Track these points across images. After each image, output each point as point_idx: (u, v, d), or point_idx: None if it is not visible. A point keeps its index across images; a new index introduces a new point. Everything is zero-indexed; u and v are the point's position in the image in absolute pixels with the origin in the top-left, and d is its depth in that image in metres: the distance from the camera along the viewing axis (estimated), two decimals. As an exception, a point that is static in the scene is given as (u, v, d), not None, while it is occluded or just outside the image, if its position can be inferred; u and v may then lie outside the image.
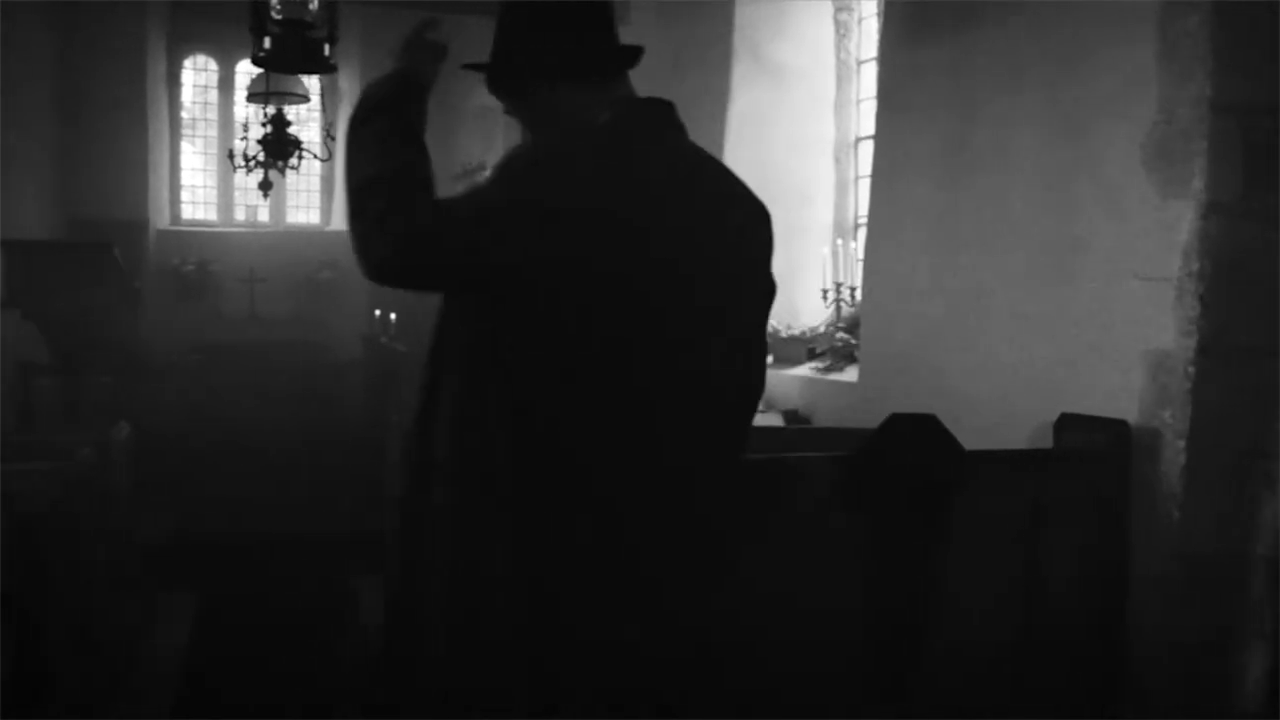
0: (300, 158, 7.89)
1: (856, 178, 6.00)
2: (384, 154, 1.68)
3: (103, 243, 6.50)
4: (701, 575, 1.69)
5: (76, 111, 9.78)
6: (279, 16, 4.57)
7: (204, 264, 10.66)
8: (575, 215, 1.56)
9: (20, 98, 7.66)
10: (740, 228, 1.80)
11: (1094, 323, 3.11)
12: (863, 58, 6.00)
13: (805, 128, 6.05)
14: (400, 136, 1.71)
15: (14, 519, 2.68)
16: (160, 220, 10.87)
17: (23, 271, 5.92)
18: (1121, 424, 2.91)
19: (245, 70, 11.02)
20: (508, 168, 1.67)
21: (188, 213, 11.36)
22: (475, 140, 10.05)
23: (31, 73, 8.40)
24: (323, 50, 4.77)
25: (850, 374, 4.79)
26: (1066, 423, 3.03)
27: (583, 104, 1.79)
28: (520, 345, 1.56)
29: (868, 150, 5.76)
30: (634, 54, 1.86)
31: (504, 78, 1.88)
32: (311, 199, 11.67)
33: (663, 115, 1.84)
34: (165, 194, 11.04)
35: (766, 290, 1.87)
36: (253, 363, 9.38)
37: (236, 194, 11.27)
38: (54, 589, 3.09)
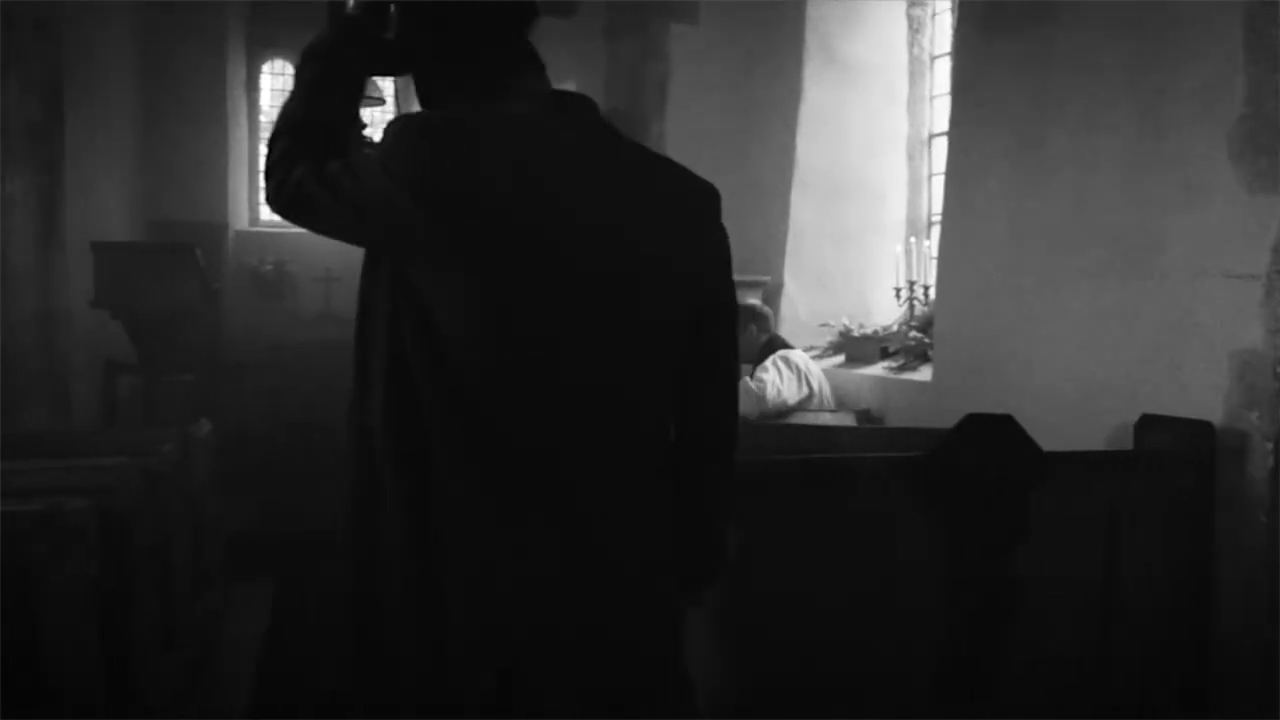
0: (376, 158, 8.00)
1: (930, 175, 5.93)
2: (307, 99, 1.79)
3: (185, 244, 6.65)
4: (630, 514, 1.67)
5: (159, 117, 10.03)
6: (356, 19, 4.64)
7: (281, 264, 10.84)
8: (469, 187, 1.58)
9: (107, 104, 7.88)
10: (646, 201, 1.76)
11: (1177, 321, 3.04)
12: (936, 53, 5.93)
13: (877, 125, 6.00)
14: (326, 84, 1.83)
15: (102, 512, 2.76)
16: (239, 221, 11.10)
17: (111, 272, 6.07)
18: (1205, 425, 2.84)
19: (321, 74, 11.22)
20: (402, 136, 1.67)
21: (265, 214, 11.58)
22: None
23: (117, 80, 8.64)
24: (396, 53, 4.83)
25: (924, 373, 4.73)
26: (1148, 423, 2.96)
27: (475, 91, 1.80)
28: (434, 312, 1.59)
29: (941, 147, 5.69)
30: (530, 16, 1.90)
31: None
32: (385, 200, 11.85)
33: (562, 101, 1.83)
34: (244, 196, 11.26)
35: (702, 253, 1.87)
36: (328, 360, 9.53)
37: (313, 195, 11.46)
38: (140, 580, 3.18)
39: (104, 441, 4.40)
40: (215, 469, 5.21)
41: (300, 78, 1.84)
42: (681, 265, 1.77)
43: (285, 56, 11.62)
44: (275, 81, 11.73)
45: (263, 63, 11.53)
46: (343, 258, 11.21)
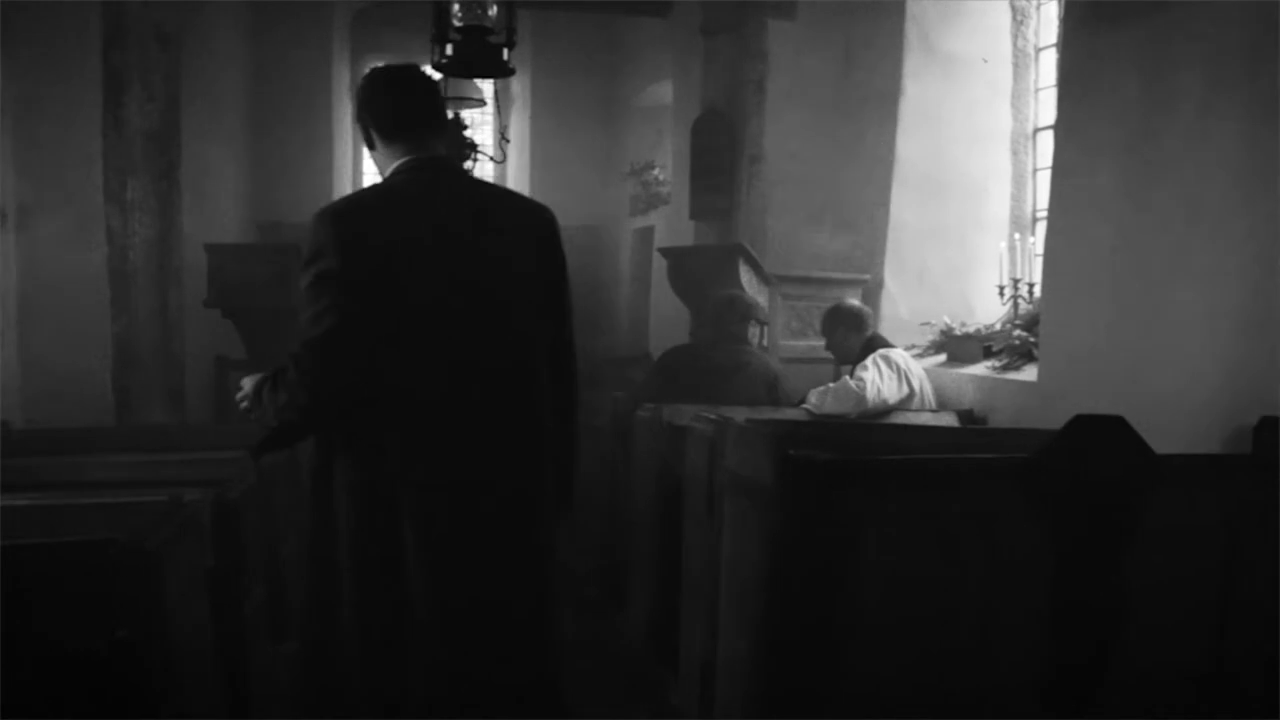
0: (475, 160, 8.11)
1: (1035, 170, 5.80)
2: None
3: (292, 245, 6.81)
4: (512, 455, 2.42)
5: (267, 123, 10.33)
6: (460, 23, 4.72)
7: (384, 264, 11.09)
8: (366, 241, 2.32)
9: (219, 113, 8.16)
10: (499, 229, 2.47)
11: (1298, 320, 2.93)
12: (1041, 44, 5.80)
13: (980, 119, 5.89)
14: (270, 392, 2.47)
15: (216, 503, 2.86)
16: (344, 223, 11.38)
17: (223, 273, 6.28)
18: (1329, 428, 2.72)
19: (423, 77, 11.43)
20: (314, 230, 2.35)
21: (369, 215, 11.86)
22: (644, 139, 10.16)
23: (228, 89, 8.93)
24: (501, 54, 4.90)
25: (1029, 373, 4.63)
26: (1267, 426, 2.85)
27: (393, 159, 2.53)
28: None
29: (1046, 141, 5.57)
30: (438, 123, 2.59)
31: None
32: (484, 200, 12.02)
33: (435, 165, 2.51)
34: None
35: (539, 265, 2.53)
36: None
37: (414, 196, 11.68)
38: (249, 572, 3.28)
39: (217, 435, 4.55)
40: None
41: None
42: (533, 270, 2.49)
43: (388, 60, 11.88)
44: (378, 85, 12.01)
45: (366, 67, 11.80)
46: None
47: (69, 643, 2.01)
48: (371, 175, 12.49)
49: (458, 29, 4.76)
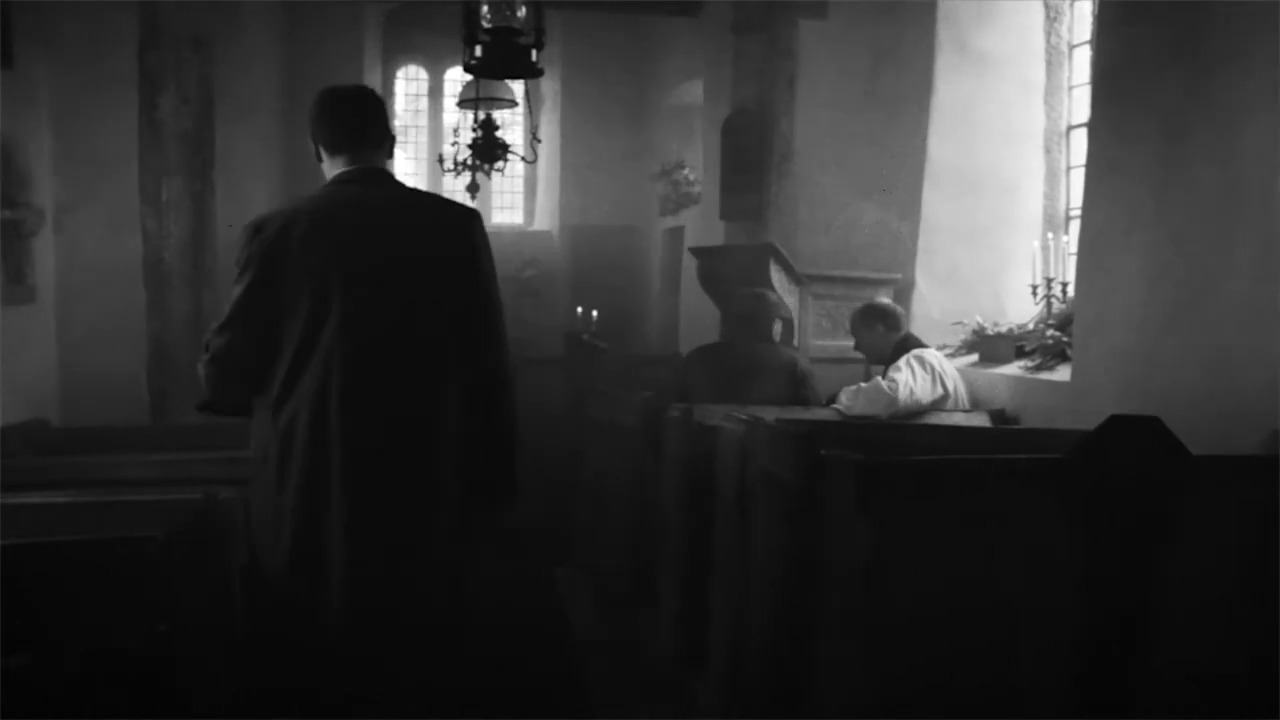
0: (506, 160, 8.15)
1: (1068, 168, 5.76)
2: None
3: (325, 245, 6.89)
4: (431, 427, 2.67)
5: (298, 123, 10.37)
6: (489, 25, 4.74)
7: (415, 264, 11.15)
8: (275, 253, 2.63)
9: (253, 114, 8.23)
10: (425, 239, 2.74)
11: (1338, 319, 2.89)
12: (1075, 41, 5.75)
13: (1013, 117, 5.85)
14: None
15: (249, 502, 2.89)
16: (375, 223, 11.46)
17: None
18: (1369, 429, 2.68)
19: (453, 78, 11.49)
20: (240, 242, 2.72)
21: (400, 215, 11.93)
22: (674, 139, 10.16)
23: (262, 90, 9.01)
24: (530, 55, 4.92)
25: (1062, 373, 4.59)
26: (1306, 426, 2.82)
27: (334, 170, 2.83)
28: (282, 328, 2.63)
29: (1080, 139, 5.52)
30: (376, 138, 2.86)
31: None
32: (515, 200, 12.06)
33: (366, 175, 2.78)
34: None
35: (460, 269, 2.76)
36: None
37: (445, 196, 11.75)
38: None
39: (248, 434, 4.58)
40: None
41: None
42: (456, 260, 2.74)
43: (418, 61, 11.94)
44: (409, 86, 12.07)
45: (397, 69, 11.87)
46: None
47: (108, 638, 2.03)
48: (403, 175, 12.62)
49: (487, 30, 4.78)
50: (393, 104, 11.85)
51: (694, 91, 9.11)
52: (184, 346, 5.85)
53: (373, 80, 11.32)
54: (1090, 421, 2.59)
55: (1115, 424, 2.51)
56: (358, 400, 2.59)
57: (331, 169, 2.82)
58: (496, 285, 2.86)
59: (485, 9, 4.74)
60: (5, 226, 4.54)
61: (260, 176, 8.90)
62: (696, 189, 9.10)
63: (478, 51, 4.92)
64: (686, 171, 9.67)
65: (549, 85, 10.83)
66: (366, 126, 2.83)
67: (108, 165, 5.24)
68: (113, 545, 2.15)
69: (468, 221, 2.83)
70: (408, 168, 12.01)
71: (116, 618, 2.07)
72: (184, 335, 5.86)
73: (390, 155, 2.94)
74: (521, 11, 4.77)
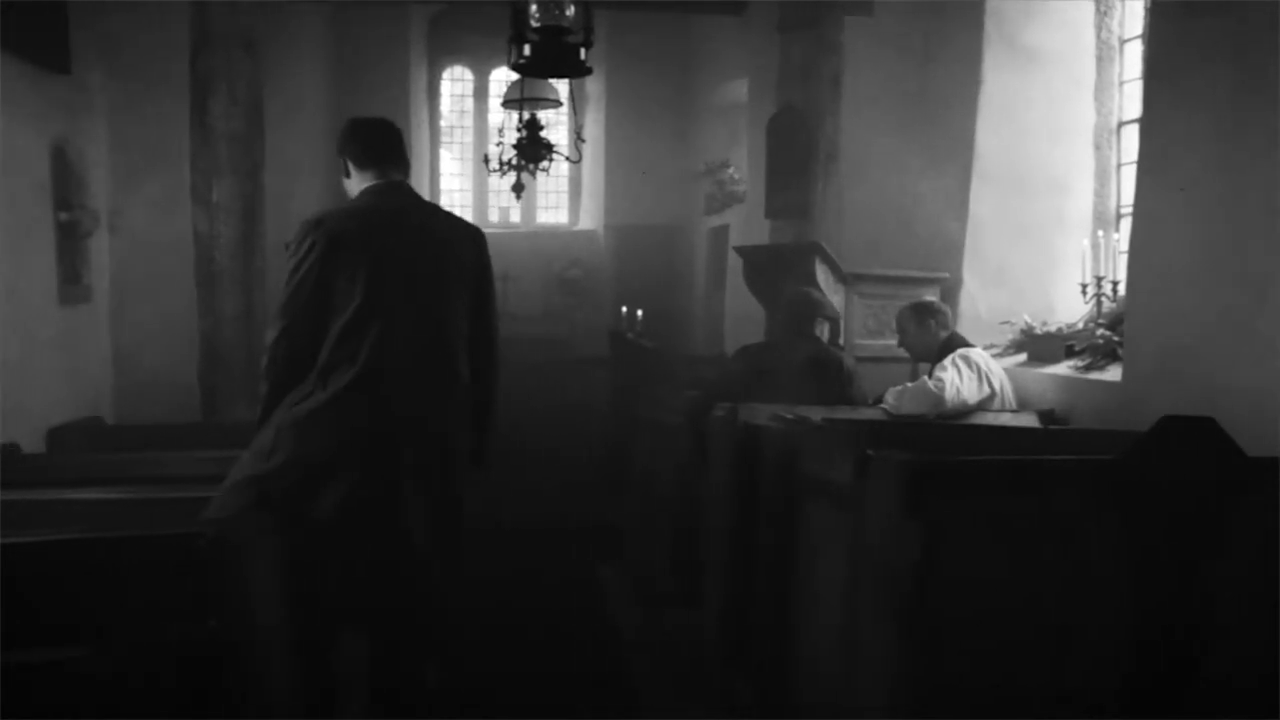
0: (551, 160, 8.18)
1: (1119, 164, 5.67)
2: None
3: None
4: (442, 396, 3.16)
5: (348, 125, 10.52)
6: (537, 24, 4.75)
7: (461, 264, 11.22)
8: (336, 240, 3.06)
9: (301, 116, 8.33)
10: (444, 239, 3.26)
11: (1400, 318, 2.82)
12: (1126, 36, 5.66)
13: (1062, 113, 5.77)
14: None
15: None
16: (421, 223, 11.54)
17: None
18: None
19: (498, 79, 11.55)
20: (298, 234, 3.15)
21: (446, 216, 12.01)
22: (718, 137, 10.14)
23: (310, 93, 9.12)
24: (579, 54, 4.92)
25: (1113, 373, 4.53)
26: (1366, 428, 2.76)
27: (363, 184, 3.28)
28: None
29: (1131, 135, 5.44)
30: (397, 159, 3.33)
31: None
32: (560, 199, 12.10)
33: (392, 186, 3.26)
34: (426, 198, 11.71)
35: (470, 267, 3.29)
36: (506, 357, 9.79)
37: (490, 196, 11.82)
38: (331, 564, 3.34)
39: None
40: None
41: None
42: (467, 264, 3.27)
43: (464, 63, 12.02)
44: (455, 87, 12.15)
45: (443, 70, 11.95)
46: (520, 259, 11.61)
47: (158, 633, 2.07)
48: (448, 175, 12.68)
49: (535, 29, 4.79)
50: (438, 105, 11.93)
51: (738, 90, 9.08)
52: (234, 346, 5.93)
53: (418, 81, 11.43)
54: (1142, 423, 2.55)
55: (1168, 425, 2.47)
56: (393, 365, 3.05)
57: (359, 183, 3.28)
58: (495, 292, 3.42)
59: (534, 8, 4.75)
60: (62, 228, 4.64)
61: (308, 178, 9.01)
62: (741, 188, 9.08)
63: (526, 51, 4.92)
64: (731, 170, 9.65)
65: (593, 85, 10.85)
66: (391, 149, 3.32)
67: (160, 167, 5.33)
68: (164, 541, 2.18)
69: (479, 234, 3.41)
70: (453, 168, 12.09)
71: (167, 613, 2.10)
72: (234, 334, 5.95)
73: (406, 175, 3.36)
74: (570, 10, 4.77)
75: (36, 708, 1.99)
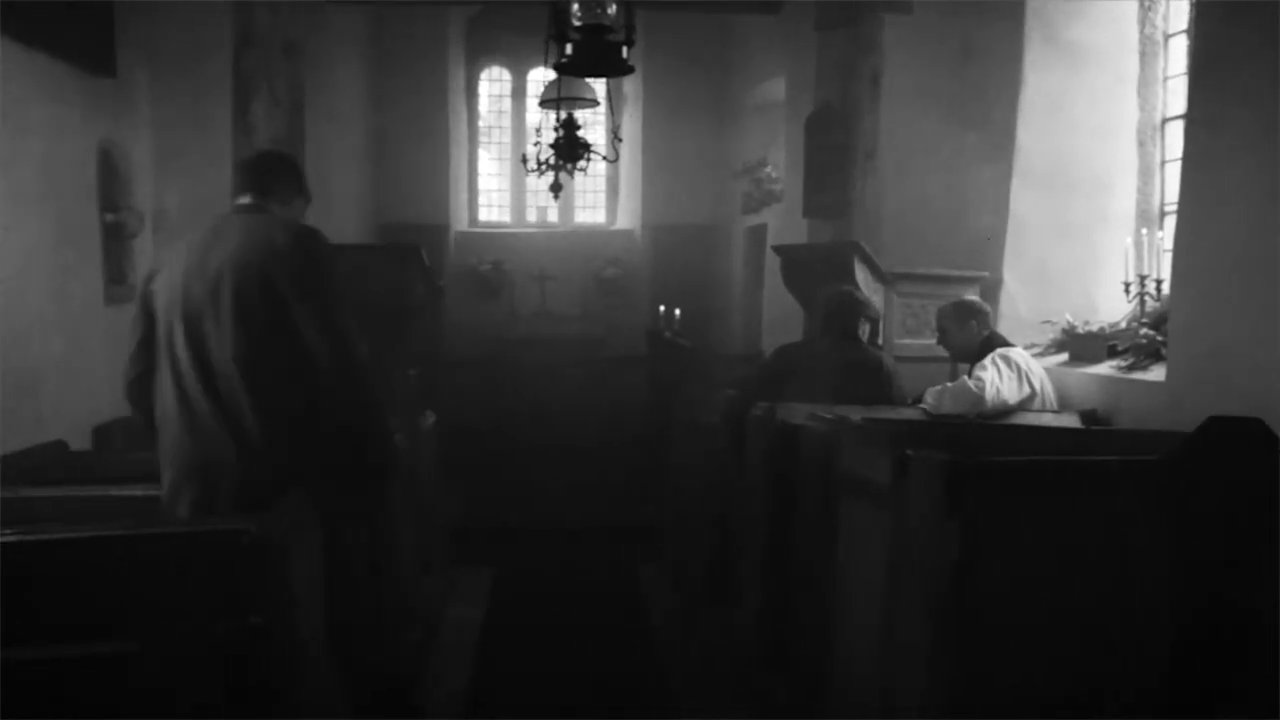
0: (588, 159, 8.19)
1: (1163, 161, 5.59)
2: None
3: (411, 245, 6.96)
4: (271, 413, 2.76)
5: (385, 126, 10.61)
6: (579, 22, 4.75)
7: (499, 263, 11.28)
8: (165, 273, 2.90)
9: (341, 118, 8.41)
10: (246, 261, 2.79)
11: None
12: (1170, 31, 5.58)
13: (1104, 110, 5.70)
14: None
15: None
16: (459, 223, 11.61)
17: (344, 272, 6.42)
18: None
19: (536, 79, 11.59)
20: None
21: (484, 215, 12.07)
22: (756, 136, 10.11)
23: (349, 94, 9.19)
24: (620, 52, 4.91)
25: (1156, 373, 4.47)
26: None
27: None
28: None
29: (1175, 131, 5.36)
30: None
31: None
32: (597, 199, 12.11)
33: (238, 209, 3.04)
34: (464, 198, 11.78)
35: (283, 283, 2.78)
36: (544, 357, 9.84)
37: (528, 196, 11.86)
38: (369, 563, 3.36)
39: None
40: (439, 458, 5.46)
41: None
42: (288, 272, 2.79)
43: (502, 63, 12.06)
44: (492, 87, 12.20)
45: (480, 70, 12.00)
46: (557, 258, 11.65)
47: (205, 628, 2.09)
48: (486, 175, 12.74)
49: (576, 28, 4.79)
50: (476, 105, 11.98)
51: (776, 89, 9.05)
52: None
53: (456, 81, 11.49)
54: (1186, 423, 2.52)
55: (1215, 426, 2.44)
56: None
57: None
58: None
59: (576, 6, 4.74)
60: (108, 229, 4.70)
61: (349, 179, 9.10)
62: (779, 186, 9.05)
63: (567, 49, 4.92)
64: (768, 169, 9.62)
65: (630, 84, 10.86)
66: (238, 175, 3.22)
67: (203, 169, 5.39)
68: (208, 537, 2.21)
69: (310, 241, 3.05)
70: (491, 168, 12.14)
71: (210, 609, 2.13)
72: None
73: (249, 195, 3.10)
74: (612, 8, 4.76)
75: (81, 703, 2.02)
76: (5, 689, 1.96)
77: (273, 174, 3.13)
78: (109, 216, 4.71)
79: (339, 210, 8.39)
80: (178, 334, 2.81)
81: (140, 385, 2.94)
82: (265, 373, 2.76)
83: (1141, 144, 5.68)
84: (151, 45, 5.16)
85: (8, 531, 2.18)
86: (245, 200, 3.03)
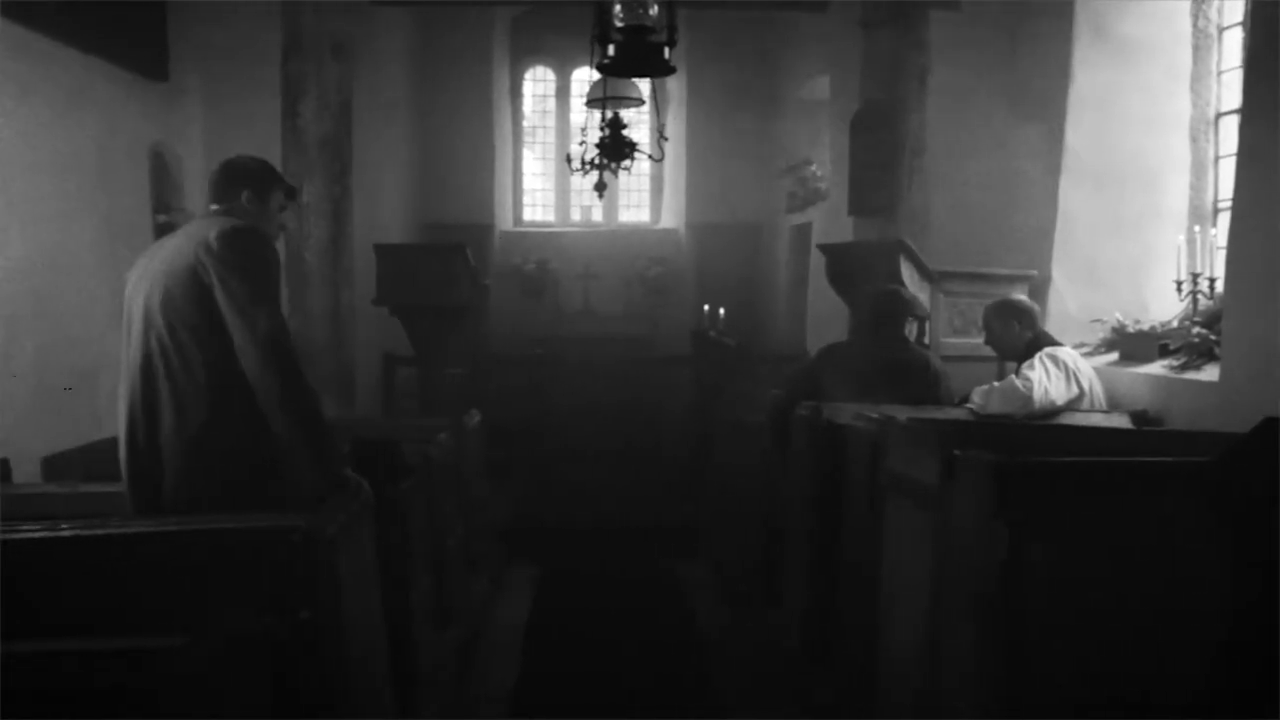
0: (633, 159, 8.20)
1: (1217, 157, 5.50)
2: None
3: (456, 244, 7.02)
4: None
5: (431, 126, 10.69)
6: (621, 23, 4.76)
7: (543, 262, 11.32)
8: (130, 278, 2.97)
9: (388, 119, 8.48)
10: (176, 264, 2.83)
11: None
12: (1225, 24, 5.49)
13: (1156, 105, 5.61)
14: None
15: (388, 495, 2.97)
16: (504, 222, 11.66)
17: (391, 272, 6.51)
18: None
19: (580, 79, 11.61)
20: None
21: (529, 215, 12.12)
22: (801, 135, 10.07)
23: (396, 95, 9.27)
24: (663, 53, 4.91)
25: (1209, 373, 4.40)
26: None
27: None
28: None
29: (1229, 126, 5.27)
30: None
31: None
32: (641, 198, 12.12)
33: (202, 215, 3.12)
34: (509, 198, 11.83)
35: (206, 274, 2.79)
36: (588, 356, 9.86)
37: (572, 195, 11.89)
38: (416, 561, 3.40)
39: (385, 428, 4.72)
40: (484, 457, 5.50)
41: None
42: (212, 261, 2.79)
43: (546, 63, 12.11)
44: (537, 87, 12.24)
45: (525, 70, 12.05)
46: (601, 257, 11.67)
47: (254, 623, 2.12)
48: (530, 175, 12.78)
49: (619, 29, 4.80)
50: (521, 105, 12.04)
51: (821, 87, 9.00)
52: (322, 344, 6.07)
53: (501, 82, 11.54)
54: (1240, 424, 2.48)
55: (1270, 426, 2.39)
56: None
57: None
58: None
59: (618, 7, 4.75)
60: (160, 230, 4.79)
61: (395, 179, 9.18)
62: (824, 185, 9.01)
63: (609, 50, 4.93)
64: (813, 168, 9.57)
65: (675, 83, 10.84)
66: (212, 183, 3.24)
67: (253, 170, 5.45)
68: (258, 534, 2.24)
69: (239, 241, 2.97)
70: (535, 168, 12.19)
71: (259, 604, 2.16)
72: (323, 332, 6.09)
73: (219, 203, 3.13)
74: (654, 9, 4.77)
75: (130, 694, 2.05)
76: (50, 681, 2.00)
77: (237, 178, 3.15)
78: (161, 217, 4.80)
79: (385, 209, 8.47)
80: (130, 336, 2.89)
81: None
82: (188, 372, 2.77)
83: (1194, 139, 5.58)
84: (203, 49, 5.25)
85: (63, 526, 2.22)
86: (212, 207, 3.11)
